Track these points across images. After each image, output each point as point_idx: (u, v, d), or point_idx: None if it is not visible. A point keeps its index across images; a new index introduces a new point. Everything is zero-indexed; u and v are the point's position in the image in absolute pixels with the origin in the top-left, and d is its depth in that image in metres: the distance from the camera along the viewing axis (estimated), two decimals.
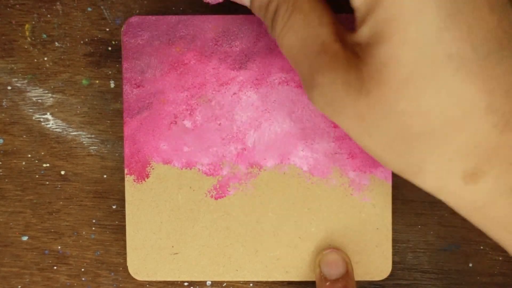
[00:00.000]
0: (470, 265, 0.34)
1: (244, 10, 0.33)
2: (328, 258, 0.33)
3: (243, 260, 0.34)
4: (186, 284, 0.35)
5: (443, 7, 0.20)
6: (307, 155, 0.33)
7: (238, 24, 0.33)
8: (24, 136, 0.34)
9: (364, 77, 0.22)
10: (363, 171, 0.33)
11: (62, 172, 0.35)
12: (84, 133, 0.34)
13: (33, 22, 0.34)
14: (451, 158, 0.21)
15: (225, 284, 0.35)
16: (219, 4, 0.33)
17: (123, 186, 0.34)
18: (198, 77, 0.33)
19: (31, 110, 0.34)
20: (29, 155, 0.34)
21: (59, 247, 0.35)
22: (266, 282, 0.35)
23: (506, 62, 0.21)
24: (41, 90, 0.34)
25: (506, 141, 0.21)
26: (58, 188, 0.35)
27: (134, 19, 0.33)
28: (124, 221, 0.34)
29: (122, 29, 0.33)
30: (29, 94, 0.34)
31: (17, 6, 0.34)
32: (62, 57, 0.34)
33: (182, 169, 0.33)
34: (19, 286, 0.35)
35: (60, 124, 0.34)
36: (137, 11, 0.34)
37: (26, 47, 0.34)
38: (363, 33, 0.22)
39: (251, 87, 0.33)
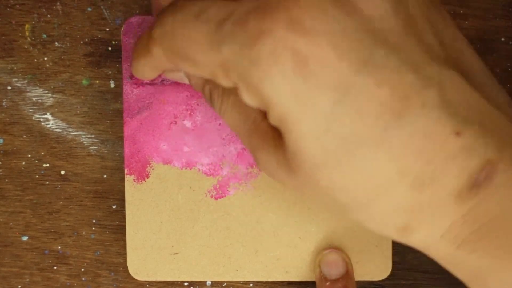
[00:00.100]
0: None
1: None
2: (328, 258, 0.33)
3: (243, 260, 0.34)
4: (186, 284, 0.35)
5: (327, 99, 0.21)
6: None
7: None
8: (24, 136, 0.34)
9: (288, 158, 0.23)
10: None
11: (62, 172, 0.35)
12: (84, 133, 0.34)
13: (33, 22, 0.34)
14: (382, 217, 0.23)
15: (225, 284, 0.35)
16: None
17: (123, 186, 0.34)
18: None
19: (31, 110, 0.34)
20: (29, 155, 0.34)
21: (59, 247, 0.35)
22: (266, 282, 0.35)
23: (410, 127, 0.21)
24: (41, 90, 0.34)
25: (426, 198, 0.22)
26: (58, 188, 0.35)
27: (134, 19, 0.33)
28: (124, 221, 0.34)
29: (122, 29, 0.33)
30: (29, 94, 0.34)
31: (17, 6, 0.34)
32: (62, 57, 0.34)
33: (182, 169, 0.33)
34: (19, 286, 0.35)
35: (60, 124, 0.34)
36: (137, 11, 0.34)
37: (26, 47, 0.34)
38: (271, 122, 0.23)
39: None
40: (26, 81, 0.34)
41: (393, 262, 0.34)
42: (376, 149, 0.21)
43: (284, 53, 0.21)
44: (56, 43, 0.34)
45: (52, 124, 0.34)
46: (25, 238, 0.35)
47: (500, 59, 0.34)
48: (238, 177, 0.33)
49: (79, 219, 0.35)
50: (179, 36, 0.23)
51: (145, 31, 0.26)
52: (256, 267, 0.34)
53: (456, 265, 0.24)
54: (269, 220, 0.33)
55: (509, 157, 0.22)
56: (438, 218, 0.22)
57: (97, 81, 0.34)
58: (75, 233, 0.35)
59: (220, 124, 0.33)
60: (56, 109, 0.34)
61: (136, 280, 0.34)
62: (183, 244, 0.34)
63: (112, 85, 0.34)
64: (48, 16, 0.34)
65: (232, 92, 0.26)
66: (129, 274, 0.34)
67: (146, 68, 0.26)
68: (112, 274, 0.35)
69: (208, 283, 0.35)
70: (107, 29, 0.34)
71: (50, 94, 0.34)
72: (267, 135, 0.24)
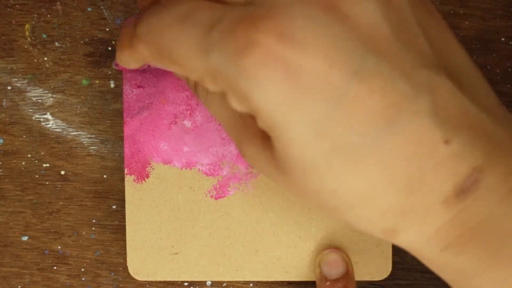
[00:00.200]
0: None
1: None
2: (328, 258, 0.33)
3: (243, 260, 0.34)
4: (186, 284, 0.35)
5: (318, 108, 0.21)
6: None
7: None
8: (24, 136, 0.34)
9: (277, 159, 0.23)
10: None
11: (62, 172, 0.35)
12: (84, 133, 0.34)
13: (33, 22, 0.34)
14: (370, 219, 0.23)
15: (225, 284, 0.35)
16: None
17: (123, 186, 0.34)
18: None
19: (31, 110, 0.34)
20: (29, 155, 0.34)
21: (59, 247, 0.35)
22: (266, 282, 0.35)
23: (401, 134, 0.21)
24: (41, 90, 0.34)
25: (414, 202, 0.22)
26: (58, 188, 0.35)
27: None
28: (124, 221, 0.34)
29: None
30: (29, 94, 0.34)
31: (17, 6, 0.34)
32: (62, 57, 0.34)
33: (182, 169, 0.33)
34: (19, 286, 0.35)
35: (60, 124, 0.34)
36: (137, 11, 0.34)
37: (26, 47, 0.34)
38: (260, 126, 0.23)
39: None
40: (26, 81, 0.34)
41: (393, 262, 0.34)
42: (367, 155, 0.21)
43: (273, 64, 0.20)
44: (56, 43, 0.34)
45: (52, 124, 0.34)
46: (25, 238, 0.35)
47: (500, 59, 0.34)
48: (238, 177, 0.33)
49: (79, 219, 0.35)
50: (165, 38, 0.23)
51: (128, 22, 0.25)
52: (256, 267, 0.34)
53: (440, 266, 0.24)
54: (269, 220, 0.33)
55: (496, 163, 0.22)
56: (425, 222, 0.23)
57: (97, 81, 0.34)
58: (75, 233, 0.35)
59: (220, 124, 0.33)
60: (56, 109, 0.34)
61: (136, 280, 0.34)
62: (183, 244, 0.34)
63: (112, 85, 0.34)
64: (48, 16, 0.34)
65: None
66: (129, 274, 0.34)
67: (130, 59, 0.25)
68: (112, 274, 0.35)
69: (208, 283, 0.35)
70: (107, 29, 0.34)
71: (50, 94, 0.34)
72: (255, 132, 0.24)
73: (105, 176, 0.35)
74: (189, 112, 0.33)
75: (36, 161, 0.34)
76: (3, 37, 0.34)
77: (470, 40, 0.34)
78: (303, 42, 0.20)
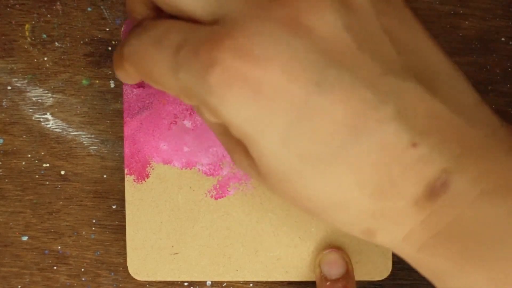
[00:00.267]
0: None
1: None
2: (328, 258, 0.33)
3: (243, 260, 0.34)
4: (186, 284, 0.35)
5: (282, 121, 0.22)
6: None
7: None
8: (24, 136, 0.34)
9: (257, 166, 0.24)
10: None
11: (62, 172, 0.35)
12: (84, 133, 0.34)
13: (33, 22, 0.34)
14: (347, 222, 0.24)
15: (225, 284, 0.35)
16: None
17: (123, 186, 0.34)
18: None
19: (31, 110, 0.34)
20: (29, 155, 0.34)
21: (59, 247, 0.35)
22: (266, 282, 0.35)
23: (367, 141, 0.22)
24: (41, 90, 0.34)
25: (386, 206, 0.23)
26: (58, 188, 0.35)
27: None
28: (124, 221, 0.34)
29: (122, 29, 0.33)
30: (29, 94, 0.34)
31: (17, 6, 0.34)
32: (62, 57, 0.34)
33: (182, 169, 0.33)
34: (19, 286, 0.35)
35: (60, 124, 0.34)
36: None
37: (26, 47, 0.34)
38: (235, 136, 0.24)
39: None
40: (26, 81, 0.34)
41: (393, 262, 0.34)
42: (335, 163, 0.22)
43: (235, 80, 0.21)
44: (56, 43, 0.34)
45: (52, 124, 0.34)
46: (25, 238, 0.35)
47: (500, 59, 0.34)
48: (238, 177, 0.33)
49: (79, 219, 0.35)
50: (144, 59, 0.24)
51: (121, 42, 0.26)
52: (256, 267, 0.34)
53: (419, 266, 0.25)
54: (269, 220, 0.33)
55: (466, 165, 0.22)
56: (398, 224, 0.23)
57: (97, 81, 0.34)
58: (75, 233, 0.35)
59: None
60: (56, 109, 0.34)
61: (136, 280, 0.34)
62: (183, 244, 0.34)
63: (112, 85, 0.34)
64: (48, 16, 0.34)
65: None
66: (129, 274, 0.34)
67: (125, 77, 0.26)
68: (112, 274, 0.35)
69: (208, 283, 0.35)
70: (107, 29, 0.34)
71: (50, 94, 0.34)
72: (238, 141, 0.25)
73: (105, 176, 0.35)
74: (189, 112, 0.33)
75: (36, 161, 0.34)
76: (3, 37, 0.34)
77: (470, 40, 0.34)
78: (262, 57, 0.21)
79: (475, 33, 0.34)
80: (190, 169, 0.33)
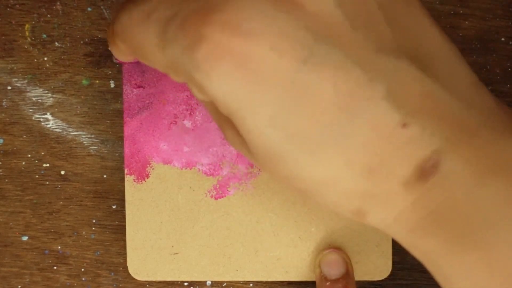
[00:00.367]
0: None
1: None
2: (328, 258, 0.33)
3: (243, 260, 0.34)
4: (186, 284, 0.35)
5: (270, 98, 0.21)
6: None
7: None
8: (24, 136, 0.34)
9: (247, 143, 0.23)
10: None
11: (62, 172, 0.35)
12: (84, 133, 0.34)
13: (33, 22, 0.34)
14: (337, 201, 0.23)
15: (225, 284, 0.35)
16: None
17: (123, 186, 0.34)
18: None
19: (31, 110, 0.34)
20: (29, 155, 0.34)
21: (59, 247, 0.35)
22: (266, 282, 0.35)
23: (356, 121, 0.21)
24: (41, 90, 0.34)
25: (376, 186, 0.22)
26: (58, 188, 0.35)
27: None
28: (124, 221, 0.34)
29: None
30: (29, 94, 0.34)
31: (17, 6, 0.34)
32: (62, 57, 0.34)
33: (182, 169, 0.33)
34: (19, 286, 0.35)
35: (60, 124, 0.34)
36: None
37: (26, 47, 0.34)
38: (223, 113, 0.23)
39: None
40: (26, 81, 0.34)
41: (393, 262, 0.34)
42: (323, 143, 0.22)
43: (222, 55, 0.21)
44: (56, 43, 0.34)
45: (52, 124, 0.34)
46: (25, 238, 0.35)
47: (500, 59, 0.34)
48: (238, 177, 0.33)
49: (79, 219, 0.35)
50: (134, 35, 0.23)
51: (112, 18, 0.26)
52: (256, 267, 0.34)
53: (411, 247, 0.24)
54: (269, 220, 0.33)
55: (458, 146, 0.22)
56: (389, 204, 0.23)
57: (97, 81, 0.34)
58: (75, 233, 0.35)
59: None
60: (56, 109, 0.34)
61: (136, 280, 0.34)
62: (183, 244, 0.34)
63: (112, 85, 0.34)
64: (48, 16, 0.34)
65: None
66: (129, 274, 0.34)
67: (120, 54, 0.26)
68: (112, 274, 0.35)
69: (208, 283, 0.35)
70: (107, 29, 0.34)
71: (50, 94, 0.34)
72: (228, 118, 0.24)
73: (105, 176, 0.35)
74: (189, 112, 0.33)
75: (36, 161, 0.34)
76: (3, 37, 0.34)
77: (470, 40, 0.34)
78: (250, 32, 0.21)
79: (475, 33, 0.34)
80: (190, 169, 0.33)
